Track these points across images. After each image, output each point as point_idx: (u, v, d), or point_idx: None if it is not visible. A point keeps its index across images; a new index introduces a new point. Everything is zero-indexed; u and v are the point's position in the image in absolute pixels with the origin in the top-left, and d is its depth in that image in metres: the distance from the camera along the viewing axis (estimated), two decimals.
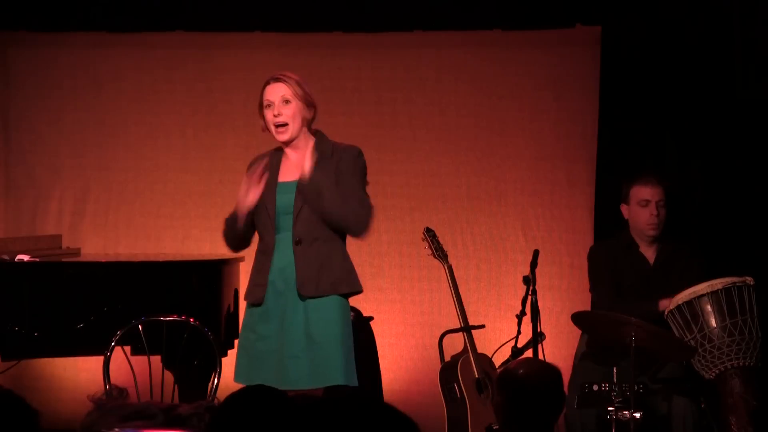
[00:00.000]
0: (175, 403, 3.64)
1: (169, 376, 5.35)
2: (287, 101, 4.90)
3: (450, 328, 6.40)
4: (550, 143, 7.24)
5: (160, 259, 6.19)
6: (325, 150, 4.93)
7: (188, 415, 3.18)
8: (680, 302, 5.44)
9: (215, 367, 5.26)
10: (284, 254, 4.90)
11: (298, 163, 4.92)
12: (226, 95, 7.41)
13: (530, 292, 5.98)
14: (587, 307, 6.01)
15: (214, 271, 5.80)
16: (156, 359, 5.27)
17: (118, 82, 7.55)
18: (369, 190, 4.95)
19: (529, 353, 5.96)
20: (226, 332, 5.74)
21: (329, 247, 4.90)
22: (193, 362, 5.43)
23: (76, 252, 6.73)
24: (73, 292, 5.72)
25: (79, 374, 7.24)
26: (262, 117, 4.95)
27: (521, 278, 6.06)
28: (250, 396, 2.89)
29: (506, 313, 6.91)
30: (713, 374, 5.40)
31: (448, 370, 6.24)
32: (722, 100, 6.73)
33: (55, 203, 7.59)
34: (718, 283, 5.41)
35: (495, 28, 7.12)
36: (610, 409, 5.15)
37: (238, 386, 3.64)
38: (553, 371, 3.82)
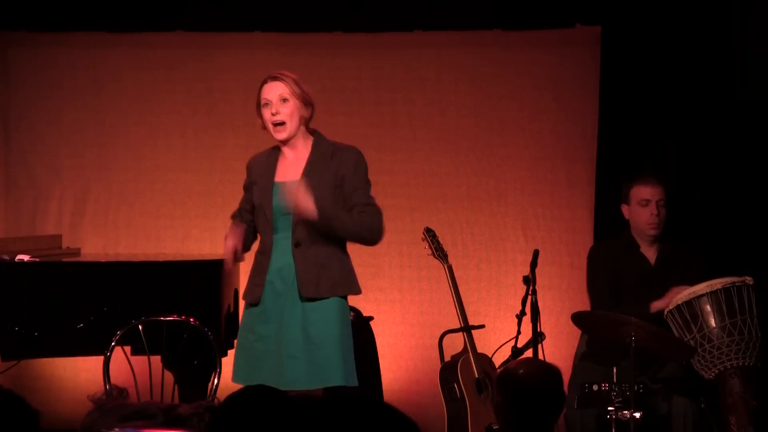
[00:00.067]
0: (175, 403, 3.65)
1: (169, 376, 5.35)
2: (285, 100, 4.90)
3: (450, 328, 6.40)
4: (550, 143, 7.24)
5: (160, 259, 6.19)
6: (324, 152, 4.93)
7: (188, 415, 3.18)
8: (680, 302, 5.44)
9: (215, 367, 5.26)
10: (283, 255, 4.89)
11: (295, 163, 4.92)
12: (226, 95, 7.41)
13: (530, 292, 5.98)
14: (587, 307, 6.01)
15: (214, 271, 5.80)
16: (156, 359, 5.28)
17: (118, 82, 7.55)
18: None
19: (529, 353, 5.96)
20: (226, 332, 5.74)
21: (328, 248, 4.90)
22: (193, 362, 5.43)
23: (76, 252, 6.73)
24: (73, 292, 5.72)
25: (79, 374, 7.24)
26: (260, 116, 4.95)
27: (521, 278, 6.06)
28: (250, 396, 2.89)
29: (506, 313, 6.91)
30: (713, 374, 5.40)
31: (448, 370, 6.24)
32: (722, 100, 6.73)
33: (55, 203, 7.59)
34: (717, 283, 5.41)
35: (495, 28, 7.12)
36: (610, 409, 5.15)
37: (238, 386, 3.64)
38: (553, 371, 3.82)
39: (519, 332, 6.02)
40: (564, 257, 7.15)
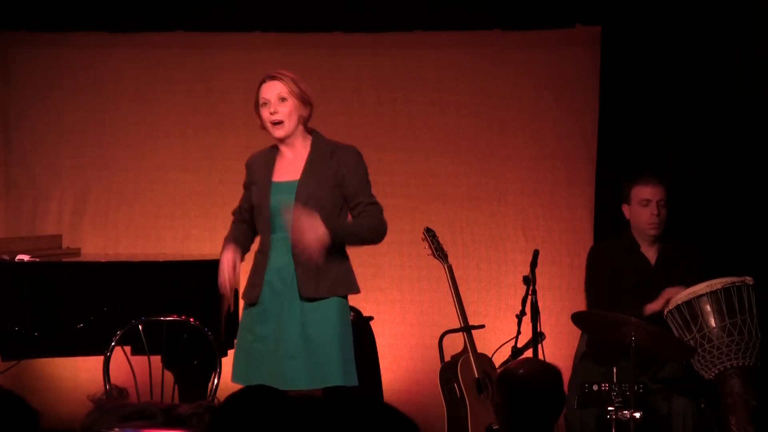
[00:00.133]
0: (175, 403, 3.65)
1: (169, 376, 5.35)
2: (283, 99, 4.90)
3: (450, 328, 6.40)
4: (550, 143, 7.24)
5: (160, 259, 6.19)
6: (324, 151, 4.93)
7: (188, 415, 3.18)
8: (680, 302, 5.44)
9: (215, 367, 5.26)
10: (281, 254, 4.89)
11: (294, 162, 4.92)
12: (226, 95, 7.41)
13: (530, 292, 5.98)
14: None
15: (214, 271, 5.79)
16: (156, 359, 5.28)
17: (118, 82, 7.55)
18: None
19: (529, 353, 5.96)
20: (226, 332, 5.74)
21: (327, 248, 4.89)
22: (193, 362, 5.43)
23: (76, 252, 6.73)
24: (73, 292, 5.72)
25: (79, 374, 7.24)
26: (259, 115, 4.95)
27: (521, 278, 6.06)
28: (250, 396, 2.89)
29: (506, 313, 6.91)
30: (713, 374, 5.40)
31: (448, 370, 6.24)
32: (722, 100, 6.73)
33: (55, 203, 7.59)
34: (717, 283, 5.41)
35: (495, 28, 7.12)
36: (610, 409, 5.15)
37: (238, 386, 3.64)
38: (553, 371, 3.82)
39: (519, 332, 6.02)
40: (564, 257, 7.15)
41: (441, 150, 7.34)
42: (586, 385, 5.30)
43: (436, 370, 6.36)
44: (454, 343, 6.37)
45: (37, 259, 5.88)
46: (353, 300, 5.06)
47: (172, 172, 7.53)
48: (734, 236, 6.72)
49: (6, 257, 5.81)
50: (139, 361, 5.24)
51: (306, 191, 4.86)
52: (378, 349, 6.54)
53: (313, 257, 4.77)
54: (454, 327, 6.34)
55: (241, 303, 5.10)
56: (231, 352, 5.26)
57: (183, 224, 7.51)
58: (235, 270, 4.93)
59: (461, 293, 6.37)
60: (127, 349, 5.38)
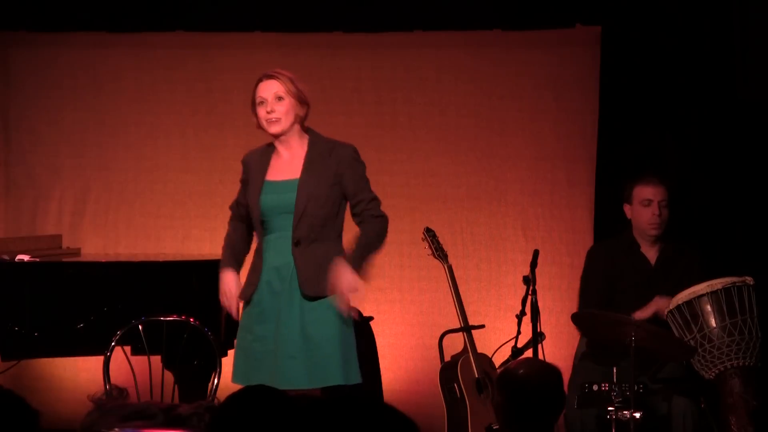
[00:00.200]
0: (175, 403, 3.65)
1: (169, 376, 5.35)
2: (280, 98, 4.90)
3: (450, 328, 6.40)
4: (550, 143, 7.24)
5: (160, 259, 6.19)
6: (322, 149, 4.93)
7: (188, 415, 3.18)
8: (680, 302, 5.44)
9: (215, 367, 5.26)
10: (280, 254, 4.89)
11: (291, 162, 4.92)
12: (226, 95, 7.41)
13: (530, 292, 5.98)
14: None
15: (214, 271, 5.78)
16: (156, 359, 5.27)
17: (118, 82, 7.55)
18: None
19: (529, 353, 5.96)
20: (226, 332, 5.74)
21: (326, 247, 4.90)
22: (193, 362, 5.43)
23: (76, 252, 6.73)
24: (73, 292, 5.72)
25: (79, 374, 7.24)
26: (255, 114, 4.95)
27: (521, 278, 6.06)
28: (250, 396, 2.89)
29: (506, 313, 6.90)
30: (713, 374, 5.40)
31: (448, 370, 6.24)
32: (722, 100, 6.72)
33: (55, 203, 7.59)
34: (717, 283, 5.41)
35: (495, 28, 7.12)
36: (610, 409, 5.15)
37: (238, 386, 3.63)
38: (553, 371, 3.82)
39: (519, 332, 6.02)
40: (564, 257, 7.15)
41: (441, 150, 7.33)
42: (586, 385, 5.30)
43: (436, 370, 6.36)
44: (454, 343, 6.37)
45: (37, 259, 5.88)
46: (353, 300, 5.06)
47: (172, 172, 7.53)
48: (734, 236, 6.72)
49: (6, 257, 5.81)
50: (139, 361, 5.24)
51: (306, 189, 4.86)
52: (378, 349, 6.54)
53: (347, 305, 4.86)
54: (454, 327, 6.34)
55: (241, 303, 5.10)
56: (231, 352, 5.26)
57: (183, 224, 7.51)
58: (237, 292, 4.96)
59: (461, 293, 6.37)
60: (127, 349, 5.37)
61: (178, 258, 6.25)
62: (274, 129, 4.91)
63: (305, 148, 4.94)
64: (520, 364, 3.86)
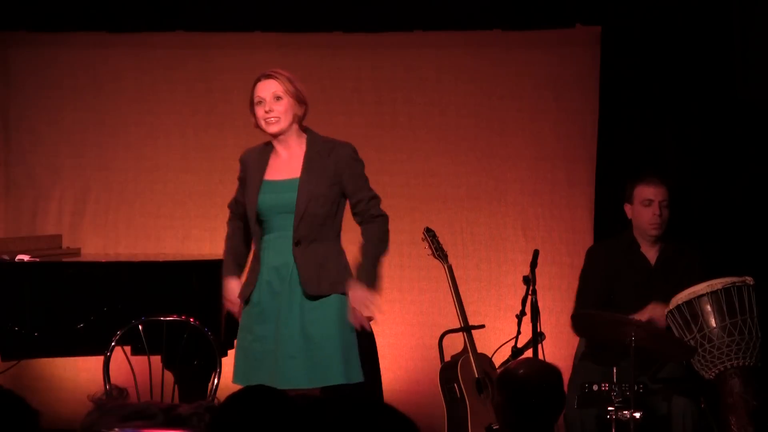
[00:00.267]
0: (175, 403, 3.65)
1: (169, 376, 5.35)
2: (278, 98, 4.90)
3: (450, 328, 6.39)
4: (550, 143, 7.24)
5: (160, 259, 6.19)
6: (320, 149, 4.93)
7: (188, 415, 3.18)
8: (680, 302, 5.44)
9: (215, 367, 5.26)
10: (280, 253, 4.89)
11: (289, 161, 4.92)
12: (226, 95, 7.41)
13: (530, 292, 5.98)
14: None
15: (214, 271, 5.78)
16: (156, 359, 5.27)
17: (118, 82, 7.55)
18: None
19: (529, 353, 5.96)
20: (226, 332, 5.74)
21: (325, 246, 4.90)
22: (193, 362, 5.43)
23: (76, 252, 6.73)
24: (73, 292, 5.72)
25: (79, 374, 7.24)
26: (253, 114, 4.95)
27: (521, 278, 6.06)
28: (250, 396, 2.89)
29: (506, 313, 6.90)
30: (713, 374, 5.40)
31: (448, 370, 6.24)
32: (722, 100, 6.73)
33: (55, 203, 7.59)
34: (717, 283, 5.41)
35: (495, 28, 7.12)
36: (610, 409, 5.15)
37: (238, 386, 3.63)
38: (553, 371, 3.82)
39: (519, 332, 6.02)
40: (564, 257, 7.15)
41: (441, 150, 7.33)
42: (586, 385, 5.30)
43: (436, 370, 6.36)
44: (454, 343, 6.37)
45: (37, 259, 5.88)
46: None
47: (172, 172, 7.53)
48: (734, 236, 6.72)
49: (6, 257, 5.81)
50: (139, 361, 5.24)
51: (307, 189, 4.86)
52: (378, 349, 6.53)
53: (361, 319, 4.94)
54: (454, 327, 6.34)
55: (242, 303, 5.10)
56: (231, 352, 5.26)
57: (183, 224, 7.51)
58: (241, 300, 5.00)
59: (461, 293, 6.37)
60: (127, 349, 5.37)
61: (178, 258, 6.25)
62: (273, 129, 4.91)
63: (303, 147, 4.94)
64: (520, 364, 3.86)
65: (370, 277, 4.90)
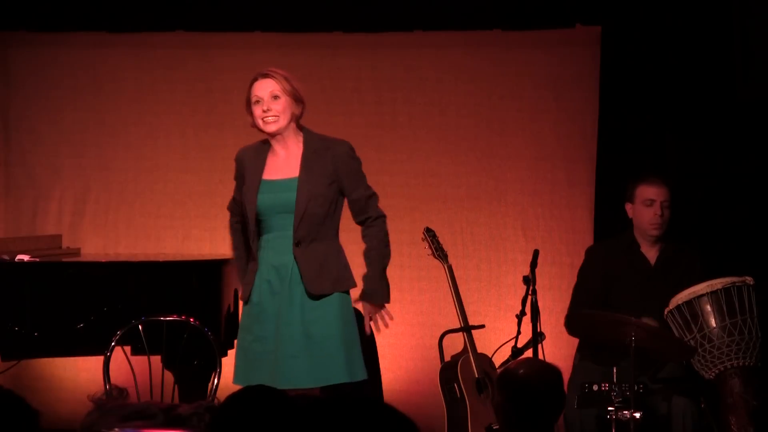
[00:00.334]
0: (175, 403, 3.64)
1: (169, 376, 5.35)
2: (276, 97, 4.90)
3: (450, 328, 6.39)
4: (550, 143, 7.24)
5: (160, 259, 6.19)
6: (317, 147, 4.92)
7: (188, 415, 3.18)
8: (680, 302, 5.44)
9: (215, 367, 5.26)
10: (278, 253, 4.89)
11: (287, 160, 4.92)
12: (226, 95, 7.41)
13: (530, 292, 5.98)
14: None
15: (214, 271, 5.80)
16: (156, 359, 5.27)
17: (118, 82, 7.55)
18: None
19: (529, 353, 5.96)
20: (226, 332, 5.74)
21: (325, 245, 4.90)
22: (193, 362, 5.43)
23: (76, 252, 6.73)
24: (73, 292, 5.72)
25: (79, 374, 7.24)
26: (250, 113, 4.95)
27: (521, 278, 6.05)
28: (250, 396, 2.89)
29: (506, 313, 6.90)
30: (713, 374, 5.40)
31: (448, 370, 6.24)
32: (722, 100, 6.73)
33: (55, 203, 7.59)
34: (717, 283, 5.41)
35: (495, 28, 7.12)
36: (610, 409, 5.15)
37: (239, 387, 3.63)
38: (553, 371, 3.82)
39: (519, 332, 6.01)
40: (564, 257, 7.15)
41: (441, 150, 7.33)
42: (586, 385, 5.30)
43: (436, 370, 6.35)
44: (454, 343, 6.37)
45: (37, 259, 5.88)
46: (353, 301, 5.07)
47: (172, 172, 7.53)
48: (734, 236, 6.72)
49: (6, 257, 5.81)
50: (139, 361, 5.24)
51: (306, 188, 4.86)
52: (378, 349, 6.54)
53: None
54: (454, 327, 6.34)
55: (241, 303, 5.10)
56: (231, 352, 5.26)
57: (183, 224, 7.51)
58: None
59: (461, 293, 6.37)
60: (127, 349, 5.37)
61: (178, 258, 6.25)
62: (271, 128, 4.91)
63: (301, 146, 4.94)
64: (520, 364, 3.86)
65: (382, 292, 4.96)
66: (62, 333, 5.68)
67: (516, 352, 6.02)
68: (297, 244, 4.87)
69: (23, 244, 6.30)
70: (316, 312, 4.85)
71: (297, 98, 4.91)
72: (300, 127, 4.98)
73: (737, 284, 5.41)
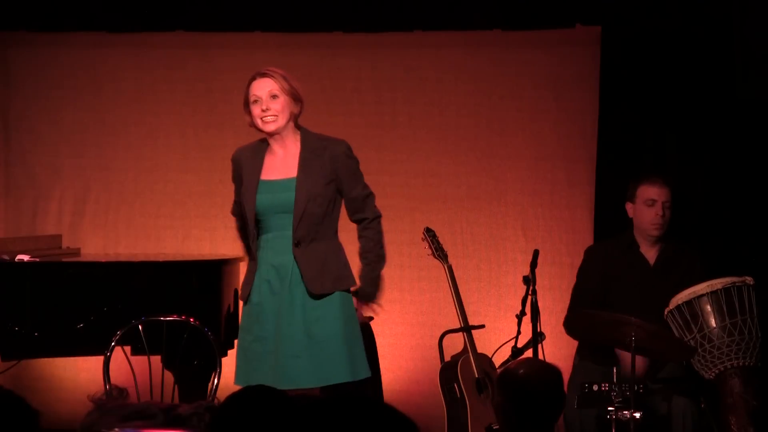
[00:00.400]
0: (175, 403, 3.64)
1: (169, 376, 5.35)
2: (274, 96, 4.90)
3: (450, 328, 6.39)
4: (550, 143, 7.24)
5: (160, 259, 6.19)
6: (315, 147, 4.92)
7: (188, 415, 3.18)
8: (680, 302, 5.44)
9: (215, 367, 5.26)
10: (279, 253, 4.89)
11: (285, 160, 4.92)
12: (226, 95, 7.41)
13: (530, 292, 5.98)
14: None
15: (214, 271, 5.80)
16: (156, 359, 5.27)
17: (118, 82, 7.55)
18: None
19: (529, 353, 5.96)
20: (226, 332, 5.74)
21: (325, 244, 4.91)
22: (193, 362, 5.43)
23: (76, 252, 6.73)
24: (73, 292, 5.71)
25: (79, 374, 7.24)
26: (249, 113, 4.95)
27: (521, 278, 6.05)
28: (250, 396, 2.89)
29: (506, 313, 6.90)
30: (713, 374, 5.40)
31: (448, 370, 6.24)
32: (722, 100, 6.73)
33: (55, 203, 7.59)
34: (717, 283, 5.41)
35: (495, 28, 7.12)
36: (610, 409, 5.15)
37: (239, 387, 3.63)
38: (553, 371, 3.82)
39: (519, 332, 6.01)
40: (564, 257, 7.15)
41: (441, 150, 7.33)
42: (586, 385, 5.30)
43: (436, 370, 6.35)
44: (454, 343, 6.37)
45: (37, 259, 5.88)
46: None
47: (172, 172, 7.53)
48: (734, 236, 6.72)
49: (6, 257, 5.81)
50: (139, 361, 5.24)
51: (305, 188, 4.86)
52: (378, 349, 6.53)
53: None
54: (454, 327, 6.34)
55: (241, 303, 5.10)
56: (231, 352, 5.26)
57: (183, 224, 7.51)
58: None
59: (461, 293, 6.37)
60: (127, 349, 5.37)
61: (178, 258, 6.25)
62: (270, 127, 4.91)
63: (298, 145, 4.94)
64: (520, 364, 3.86)
65: (375, 294, 5.04)
66: (62, 333, 5.68)
67: (516, 352, 6.02)
68: (297, 244, 4.87)
69: (23, 244, 6.30)
70: (317, 311, 4.84)
71: (295, 97, 4.91)
72: (297, 127, 4.98)
73: (737, 284, 5.41)
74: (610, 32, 6.93)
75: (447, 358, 6.35)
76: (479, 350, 6.29)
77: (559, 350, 6.66)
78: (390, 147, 7.32)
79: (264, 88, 4.90)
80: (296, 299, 4.85)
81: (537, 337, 5.94)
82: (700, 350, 5.38)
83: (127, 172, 7.56)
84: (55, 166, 7.59)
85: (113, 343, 5.24)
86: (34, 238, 6.97)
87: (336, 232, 4.98)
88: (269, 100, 4.89)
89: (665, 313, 5.50)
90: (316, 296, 4.85)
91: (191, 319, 5.30)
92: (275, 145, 4.95)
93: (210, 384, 5.25)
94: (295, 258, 4.86)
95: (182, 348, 5.27)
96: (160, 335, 5.27)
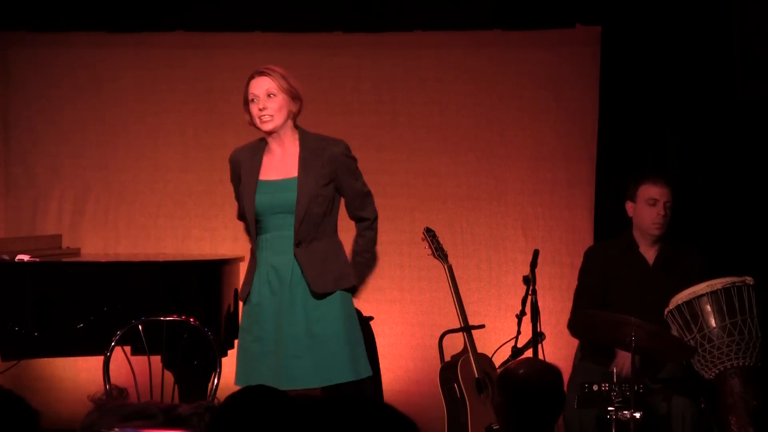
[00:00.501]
0: (175, 403, 3.64)
1: (169, 376, 5.35)
2: (272, 95, 4.89)
3: (450, 328, 6.39)
4: (550, 143, 7.24)
5: (160, 259, 6.19)
6: (314, 147, 4.92)
7: (188, 415, 3.18)
8: (680, 302, 5.44)
9: (215, 367, 5.26)
10: (279, 253, 4.88)
11: (284, 160, 4.92)
12: (226, 95, 7.40)
13: (530, 292, 5.98)
14: None
15: (214, 271, 5.80)
16: (156, 359, 5.27)
17: (118, 82, 7.55)
18: None
19: (529, 353, 5.96)
20: (226, 332, 5.74)
21: (325, 244, 4.91)
22: (193, 362, 5.43)
23: (76, 252, 6.73)
24: (73, 292, 5.71)
25: (79, 374, 7.24)
26: (248, 112, 4.95)
27: (521, 278, 6.05)
28: (250, 396, 2.89)
29: (506, 313, 6.91)
30: (713, 374, 5.40)
31: (448, 370, 6.24)
32: (722, 100, 6.73)
33: (55, 203, 7.59)
34: (717, 283, 5.40)
35: (495, 28, 7.12)
36: (610, 409, 5.15)
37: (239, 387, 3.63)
38: (553, 371, 3.82)
39: (519, 332, 6.01)
40: (564, 257, 7.15)
41: (441, 150, 7.33)
42: (586, 385, 5.30)
43: (436, 370, 6.35)
44: (454, 343, 6.37)
45: (37, 259, 5.88)
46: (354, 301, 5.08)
47: (172, 171, 7.53)
48: (734, 236, 6.72)
49: (6, 257, 5.81)
50: (139, 361, 5.24)
51: (306, 189, 4.86)
52: (378, 349, 6.54)
53: None
54: (454, 327, 6.34)
55: (241, 303, 5.10)
56: (231, 352, 5.26)
57: (183, 224, 7.51)
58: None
59: (461, 293, 6.37)
60: (127, 349, 5.37)
61: (178, 258, 6.25)
62: (267, 126, 4.90)
63: (297, 145, 4.93)
64: (520, 364, 3.86)
65: (358, 287, 5.04)
66: (62, 333, 5.68)
67: (516, 352, 6.02)
68: (297, 244, 4.87)
69: (23, 244, 6.30)
70: (318, 311, 4.84)
71: (294, 96, 4.91)
72: (296, 126, 4.97)
73: (737, 284, 5.41)
74: (610, 32, 6.93)
75: (447, 358, 6.35)
76: (479, 350, 6.29)
77: (559, 350, 6.66)
78: (390, 147, 7.32)
79: (261, 86, 4.90)
80: (297, 299, 4.85)
81: (537, 337, 5.93)
82: (700, 350, 5.38)
83: (127, 172, 7.56)
84: (55, 166, 7.59)
85: (113, 343, 5.24)
86: (34, 238, 6.97)
87: (335, 231, 4.98)
88: (266, 98, 4.89)
89: (665, 313, 5.50)
90: (317, 296, 4.85)
91: (191, 319, 5.30)
92: (273, 145, 4.95)
93: (210, 384, 5.25)
94: (296, 258, 4.86)
95: (182, 348, 5.27)
96: (160, 335, 5.27)
